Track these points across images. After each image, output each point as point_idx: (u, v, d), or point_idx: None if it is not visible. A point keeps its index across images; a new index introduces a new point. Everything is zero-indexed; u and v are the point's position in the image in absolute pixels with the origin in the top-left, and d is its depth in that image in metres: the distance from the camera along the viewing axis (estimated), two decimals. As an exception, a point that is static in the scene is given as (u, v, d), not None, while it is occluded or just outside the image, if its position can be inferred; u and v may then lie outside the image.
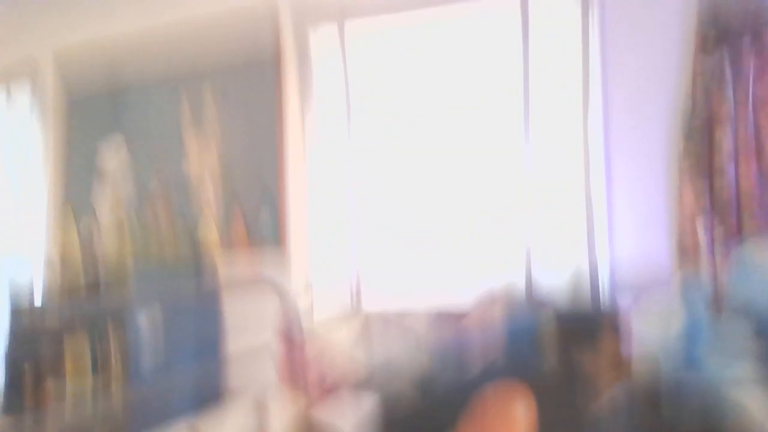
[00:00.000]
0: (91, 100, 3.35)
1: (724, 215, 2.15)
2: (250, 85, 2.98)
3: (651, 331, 0.73)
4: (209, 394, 2.28)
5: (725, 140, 2.16)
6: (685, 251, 2.23)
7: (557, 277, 2.42)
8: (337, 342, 1.88)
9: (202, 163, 3.05)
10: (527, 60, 2.52)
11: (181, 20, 3.14)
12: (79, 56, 3.37)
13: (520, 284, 2.47)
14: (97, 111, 3.32)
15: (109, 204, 3.16)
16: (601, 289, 2.33)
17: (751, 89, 2.15)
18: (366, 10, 2.79)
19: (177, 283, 2.55)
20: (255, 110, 2.97)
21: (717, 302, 0.69)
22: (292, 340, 1.35)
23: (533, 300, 2.38)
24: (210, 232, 3.00)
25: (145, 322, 1.96)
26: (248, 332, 2.51)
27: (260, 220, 2.93)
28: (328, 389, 1.08)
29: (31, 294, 2.83)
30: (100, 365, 2.04)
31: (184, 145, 3.08)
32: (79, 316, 2.01)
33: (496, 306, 2.40)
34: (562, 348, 0.95)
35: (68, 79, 3.40)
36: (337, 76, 2.84)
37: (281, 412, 1.19)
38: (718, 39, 2.20)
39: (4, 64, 3.52)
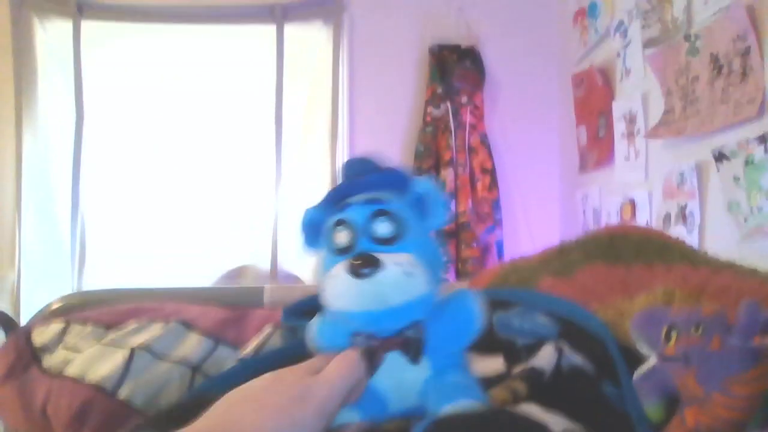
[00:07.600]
0: None
1: (446, 244, 2.52)
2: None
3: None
4: None
5: (448, 180, 2.55)
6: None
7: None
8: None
9: None
10: (281, 81, 2.62)
11: None
12: None
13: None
14: None
15: None
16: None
17: (467, 139, 2.59)
18: (109, 14, 2.57)
19: None
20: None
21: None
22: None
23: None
24: None
25: None
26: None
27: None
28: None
29: None
30: None
31: None
32: None
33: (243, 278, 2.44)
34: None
35: None
36: (69, 77, 2.55)
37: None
38: (443, 95, 2.60)
39: None
